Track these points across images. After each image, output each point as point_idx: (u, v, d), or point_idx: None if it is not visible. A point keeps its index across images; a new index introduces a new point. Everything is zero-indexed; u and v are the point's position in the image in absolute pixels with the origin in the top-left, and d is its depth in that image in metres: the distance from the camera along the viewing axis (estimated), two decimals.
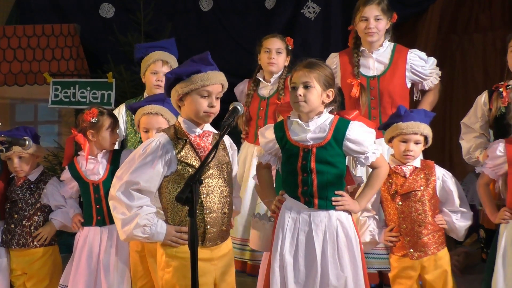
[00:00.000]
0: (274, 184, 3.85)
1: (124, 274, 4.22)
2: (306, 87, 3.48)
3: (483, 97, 4.43)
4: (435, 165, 4.05)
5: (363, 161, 3.55)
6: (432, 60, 4.75)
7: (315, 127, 3.50)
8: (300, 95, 3.47)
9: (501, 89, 4.31)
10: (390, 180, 3.99)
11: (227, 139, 3.58)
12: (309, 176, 3.47)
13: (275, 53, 5.05)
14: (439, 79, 4.79)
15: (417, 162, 4.02)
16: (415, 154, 3.98)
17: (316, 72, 3.49)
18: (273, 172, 3.87)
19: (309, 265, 3.48)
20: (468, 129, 4.50)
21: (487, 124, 4.48)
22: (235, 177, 3.71)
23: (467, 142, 4.49)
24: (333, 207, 3.50)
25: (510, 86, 4.27)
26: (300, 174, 3.49)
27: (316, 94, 3.48)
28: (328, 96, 3.51)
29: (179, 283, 3.31)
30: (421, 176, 3.98)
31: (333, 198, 3.49)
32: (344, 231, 3.50)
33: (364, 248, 4.12)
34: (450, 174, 4.06)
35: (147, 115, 4.03)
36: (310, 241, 3.49)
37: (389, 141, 4.07)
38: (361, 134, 3.50)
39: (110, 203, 3.35)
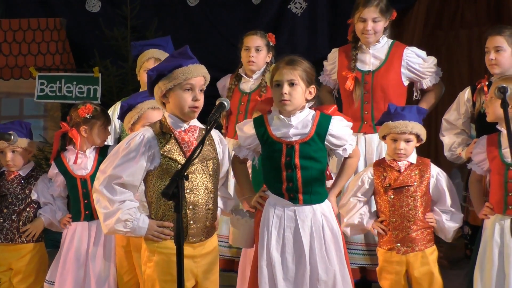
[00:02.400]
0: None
1: (110, 269, 4.23)
2: (292, 84, 3.48)
3: (466, 93, 4.47)
4: (431, 163, 4.08)
5: (341, 153, 3.59)
6: (432, 59, 4.75)
7: (297, 123, 3.51)
8: (285, 93, 3.47)
9: (483, 84, 4.35)
10: (385, 174, 4.03)
11: (216, 135, 3.57)
12: (294, 172, 3.49)
13: (254, 51, 5.03)
14: (439, 78, 4.79)
15: (412, 158, 4.06)
16: (406, 152, 4.01)
17: (299, 69, 3.50)
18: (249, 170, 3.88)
19: (298, 261, 3.50)
20: (450, 125, 4.53)
21: (469, 120, 4.51)
22: (226, 175, 3.71)
23: (449, 139, 4.52)
24: (317, 202, 3.52)
25: (492, 81, 4.30)
26: (284, 170, 3.50)
27: (301, 92, 3.49)
28: (310, 92, 3.52)
29: (159, 278, 3.32)
30: (416, 172, 4.01)
31: None
32: (328, 225, 3.53)
33: (351, 230, 4.14)
34: (445, 174, 4.10)
35: (153, 110, 3.98)
36: (297, 237, 3.50)
37: (383, 137, 4.10)
38: (341, 129, 3.54)
39: (94, 195, 3.37)
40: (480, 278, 3.82)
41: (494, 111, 3.86)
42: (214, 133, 3.57)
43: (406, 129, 3.98)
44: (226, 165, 3.65)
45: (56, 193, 4.40)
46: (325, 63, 4.92)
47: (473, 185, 4.07)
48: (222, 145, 3.59)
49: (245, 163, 3.74)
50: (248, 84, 5.13)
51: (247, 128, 3.63)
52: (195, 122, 3.46)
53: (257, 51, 5.04)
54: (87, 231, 4.27)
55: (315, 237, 3.50)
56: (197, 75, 3.36)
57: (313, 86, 3.55)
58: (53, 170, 4.35)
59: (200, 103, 3.39)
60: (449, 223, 4.04)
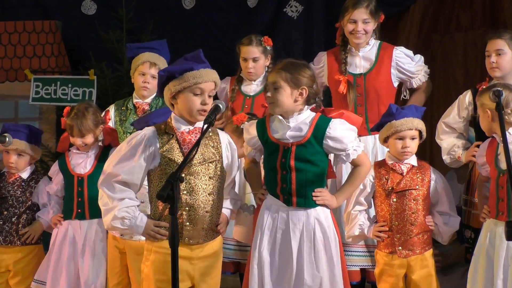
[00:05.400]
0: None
1: (100, 269, 4.24)
2: (275, 88, 3.51)
3: (467, 96, 4.46)
4: (430, 166, 4.09)
5: (344, 158, 3.57)
6: (419, 58, 4.77)
7: (295, 125, 3.51)
8: (268, 96, 3.53)
9: (483, 87, 4.35)
10: (386, 176, 4.02)
11: (225, 137, 3.58)
12: (288, 174, 3.49)
13: (251, 62, 5.01)
14: (427, 76, 4.80)
15: (414, 161, 4.05)
16: (412, 150, 4.02)
17: (285, 72, 3.52)
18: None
19: (285, 264, 3.50)
20: (449, 128, 4.53)
21: (468, 123, 4.51)
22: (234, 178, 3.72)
23: (448, 142, 4.52)
24: (312, 206, 3.51)
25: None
26: (279, 171, 3.51)
27: (285, 95, 3.50)
28: (300, 94, 3.50)
29: (155, 277, 3.34)
30: (418, 176, 4.01)
31: (313, 194, 3.50)
32: (322, 230, 3.51)
33: (352, 241, 4.16)
34: (443, 177, 4.11)
35: None
36: (287, 240, 3.50)
37: (384, 141, 4.09)
38: (341, 132, 3.51)
39: (99, 192, 3.39)
40: (472, 280, 3.86)
41: (483, 125, 3.93)
42: (223, 136, 3.58)
43: (412, 125, 3.99)
44: (235, 169, 3.66)
45: (52, 191, 4.42)
46: (311, 65, 4.90)
47: (480, 186, 4.09)
48: (230, 149, 3.59)
49: (255, 162, 3.77)
50: (251, 87, 5.09)
51: (251, 129, 3.67)
52: (200, 124, 3.45)
53: (254, 61, 5.02)
54: (79, 229, 4.28)
55: (305, 241, 3.49)
56: (208, 80, 3.37)
57: (304, 87, 3.52)
58: (55, 167, 4.39)
59: (208, 107, 3.40)
60: (447, 226, 4.06)
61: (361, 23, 4.63)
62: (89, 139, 4.31)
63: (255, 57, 5.02)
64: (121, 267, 4.20)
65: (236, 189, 4.34)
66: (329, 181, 3.86)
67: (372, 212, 4.18)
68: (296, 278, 3.46)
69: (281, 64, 3.61)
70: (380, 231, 4.02)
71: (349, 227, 4.11)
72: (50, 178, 4.49)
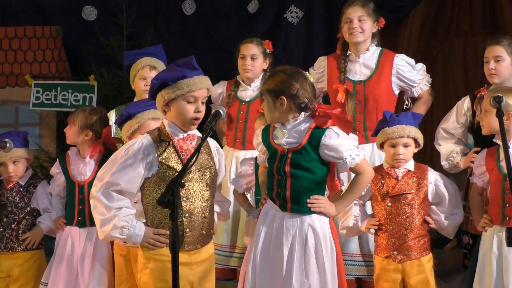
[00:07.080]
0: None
1: (101, 277, 4.22)
2: (262, 99, 3.57)
3: (466, 102, 4.46)
4: (429, 169, 4.08)
5: (342, 166, 3.55)
6: (421, 66, 4.75)
7: (291, 131, 3.50)
8: (262, 108, 3.60)
9: (483, 93, 4.34)
10: (382, 181, 4.02)
11: (213, 144, 3.59)
12: (284, 179, 3.49)
13: (249, 60, 5.03)
14: (429, 86, 4.78)
15: (410, 165, 4.05)
16: (405, 157, 4.01)
17: (267, 83, 3.54)
18: None
19: (275, 269, 3.49)
20: (448, 134, 4.53)
21: (467, 129, 4.51)
22: (221, 182, 3.75)
23: (447, 148, 4.51)
24: (307, 213, 3.50)
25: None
26: (275, 176, 3.52)
27: (267, 105, 3.52)
28: (281, 104, 3.48)
29: (155, 285, 3.33)
30: (413, 180, 4.01)
31: (308, 201, 3.49)
32: (315, 237, 3.49)
33: (346, 233, 4.14)
34: (444, 177, 4.09)
35: (153, 120, 3.94)
36: (279, 245, 3.50)
37: (381, 146, 4.09)
38: (338, 140, 3.46)
39: (91, 202, 3.37)
40: None
41: (489, 124, 3.88)
42: (212, 142, 3.59)
43: (404, 133, 3.98)
44: (222, 174, 3.68)
45: (55, 192, 4.42)
46: (311, 70, 4.91)
47: (474, 198, 4.07)
48: (218, 154, 3.62)
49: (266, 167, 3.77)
50: (246, 92, 5.12)
51: (259, 135, 3.68)
52: (193, 131, 3.47)
53: (252, 59, 5.04)
54: (78, 236, 4.28)
55: (296, 247, 3.47)
56: (201, 87, 3.37)
57: (282, 97, 3.46)
58: (56, 169, 4.38)
59: (202, 114, 3.41)
60: (449, 220, 4.04)
61: (357, 20, 4.61)
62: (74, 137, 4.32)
63: (254, 54, 5.05)
64: (128, 275, 4.17)
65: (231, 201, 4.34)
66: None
67: (369, 211, 4.18)
68: (284, 284, 3.45)
69: (270, 74, 3.64)
70: (373, 226, 4.03)
71: (343, 218, 4.11)
72: (49, 180, 4.48)
